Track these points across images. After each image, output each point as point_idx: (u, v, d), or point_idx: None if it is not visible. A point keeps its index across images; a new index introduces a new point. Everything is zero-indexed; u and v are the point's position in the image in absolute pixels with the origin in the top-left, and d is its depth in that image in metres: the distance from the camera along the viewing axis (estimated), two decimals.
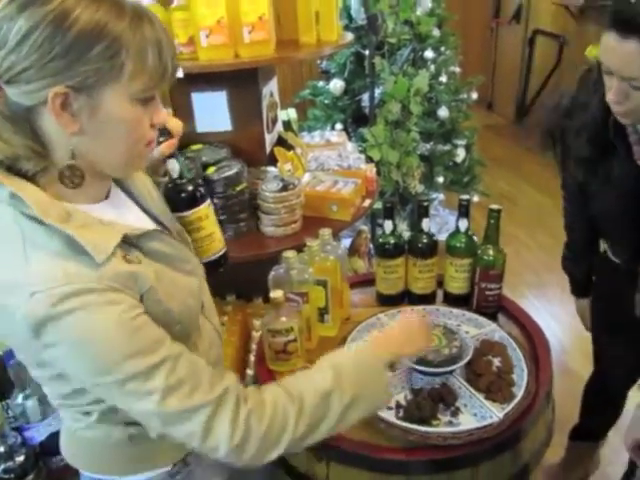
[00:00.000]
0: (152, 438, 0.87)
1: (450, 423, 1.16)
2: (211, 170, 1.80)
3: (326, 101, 3.22)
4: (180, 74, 1.47)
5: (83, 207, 0.80)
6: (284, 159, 1.98)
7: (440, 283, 1.59)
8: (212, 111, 1.94)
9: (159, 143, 1.07)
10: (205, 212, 1.16)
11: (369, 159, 2.65)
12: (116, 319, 0.73)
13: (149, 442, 0.90)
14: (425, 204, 1.51)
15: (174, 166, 1.11)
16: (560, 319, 2.94)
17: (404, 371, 1.28)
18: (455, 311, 1.48)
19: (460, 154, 3.26)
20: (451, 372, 1.24)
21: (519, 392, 1.20)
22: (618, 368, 1.67)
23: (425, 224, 1.49)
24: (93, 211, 0.81)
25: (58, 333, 0.71)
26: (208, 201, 1.18)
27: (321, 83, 3.31)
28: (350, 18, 2.99)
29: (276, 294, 1.28)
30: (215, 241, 1.21)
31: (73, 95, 0.70)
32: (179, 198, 1.10)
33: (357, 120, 3.17)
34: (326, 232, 1.46)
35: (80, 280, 0.72)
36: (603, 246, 1.56)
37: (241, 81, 1.89)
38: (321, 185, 2.03)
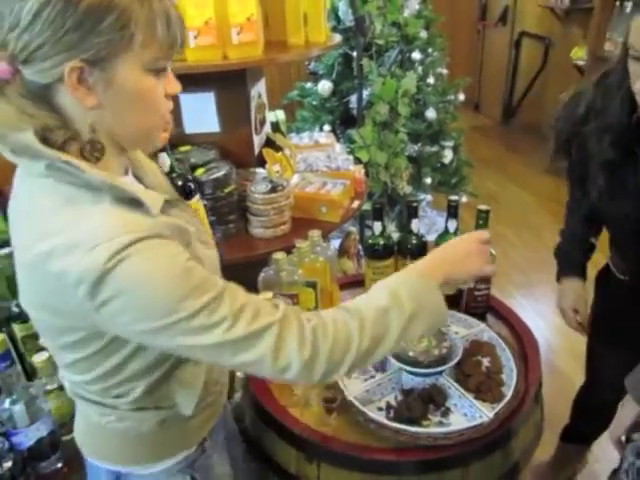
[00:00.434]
0: (181, 418, 0.94)
1: (440, 423, 1.16)
2: (199, 172, 1.79)
3: (314, 102, 3.22)
4: None
5: None
6: (273, 160, 1.98)
7: None
8: (200, 112, 1.93)
9: None
10: (195, 207, 1.16)
11: (357, 160, 2.66)
12: (174, 260, 0.76)
13: (177, 424, 0.96)
14: (414, 205, 1.51)
15: (164, 160, 1.10)
16: (547, 318, 2.97)
17: (394, 372, 1.28)
18: None
19: (448, 155, 3.28)
20: (441, 373, 1.25)
21: (509, 392, 1.21)
22: (612, 381, 1.67)
23: (414, 225, 1.50)
24: None
25: (119, 282, 0.71)
26: (198, 196, 1.18)
27: (309, 84, 3.31)
28: (338, 19, 3.00)
29: (265, 296, 1.27)
30: None
31: (88, 69, 0.72)
32: None
33: (345, 121, 3.17)
34: (315, 233, 1.45)
35: (138, 228, 0.73)
36: (607, 262, 1.55)
37: (229, 82, 1.88)
38: (310, 186, 2.02)
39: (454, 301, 1.54)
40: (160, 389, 0.92)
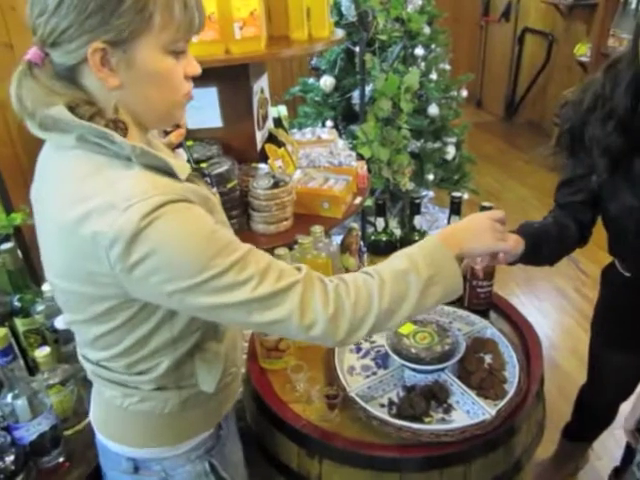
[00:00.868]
0: (201, 399, 0.98)
1: (443, 420, 1.16)
2: (202, 166, 1.79)
3: (316, 98, 3.20)
4: None
5: None
6: (275, 156, 1.98)
7: None
8: (203, 107, 1.92)
9: (167, 134, 1.10)
10: None
11: (360, 156, 2.65)
12: (203, 221, 0.80)
13: (198, 404, 1.00)
14: (417, 201, 1.51)
15: (182, 155, 1.12)
16: (548, 315, 2.97)
17: (396, 369, 1.28)
18: (447, 308, 1.48)
19: (450, 151, 3.26)
20: (443, 369, 1.25)
21: (511, 389, 1.21)
22: (615, 381, 1.66)
23: (417, 221, 1.50)
24: None
25: (152, 241, 0.74)
26: (214, 189, 1.20)
27: (311, 80, 3.30)
28: (341, 15, 2.98)
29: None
30: None
31: (110, 50, 0.76)
32: None
33: (347, 117, 3.16)
34: (318, 229, 1.45)
35: (169, 190, 0.77)
36: (613, 258, 1.51)
37: (232, 77, 1.87)
38: (312, 182, 2.02)
39: (457, 298, 1.53)
40: (184, 366, 0.95)
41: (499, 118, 6.25)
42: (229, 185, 1.80)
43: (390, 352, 1.25)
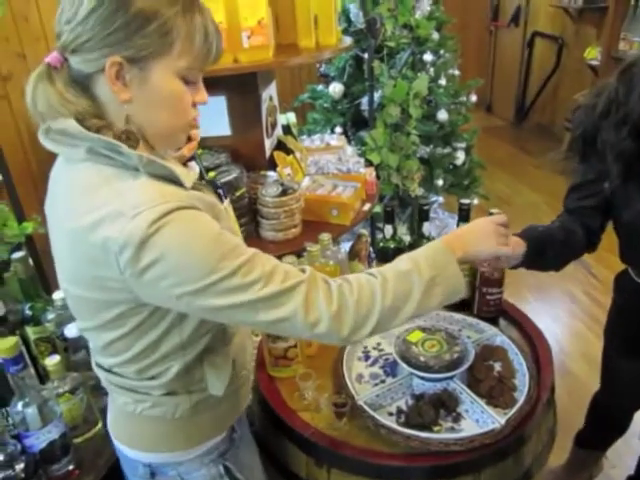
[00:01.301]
0: (212, 403, 1.00)
1: (452, 429, 1.15)
2: (211, 175, 1.80)
3: (325, 105, 3.21)
4: None
5: None
6: (283, 163, 1.98)
7: None
8: (211, 116, 1.93)
9: (179, 147, 1.11)
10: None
11: (368, 163, 2.65)
12: (209, 226, 0.82)
13: (209, 409, 1.01)
14: (425, 208, 1.50)
15: (195, 168, 1.14)
16: (562, 321, 2.94)
17: (405, 377, 1.28)
18: (456, 316, 1.48)
19: (460, 157, 3.25)
20: (452, 377, 1.24)
21: (521, 397, 1.20)
22: (629, 388, 1.64)
23: (426, 228, 1.49)
24: None
25: (161, 246, 0.76)
26: (227, 201, 1.22)
27: (320, 87, 3.31)
28: (349, 22, 2.99)
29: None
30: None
31: (127, 66, 0.79)
32: None
33: (356, 123, 3.17)
34: (326, 237, 1.45)
35: (176, 198, 0.79)
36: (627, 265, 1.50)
37: (240, 86, 1.89)
38: (321, 189, 2.02)
39: (466, 305, 1.53)
40: (194, 370, 0.97)
41: (509, 123, 6.23)
42: (237, 193, 1.81)
43: (398, 360, 1.25)
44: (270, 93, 2.11)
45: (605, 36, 4.35)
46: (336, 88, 3.09)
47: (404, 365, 1.24)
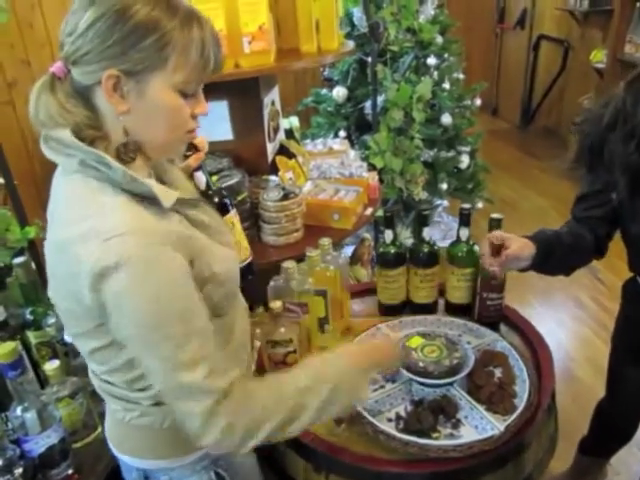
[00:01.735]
0: None
1: (451, 435, 1.15)
2: (212, 180, 1.80)
3: (329, 108, 3.21)
4: None
5: None
6: (285, 167, 1.98)
7: (442, 292, 1.58)
8: (213, 121, 1.93)
9: (186, 157, 1.13)
10: (231, 221, 1.20)
11: (372, 167, 2.65)
12: (175, 277, 0.82)
13: None
14: (425, 213, 1.50)
15: (201, 178, 1.16)
16: (567, 326, 2.92)
17: (404, 383, 1.27)
18: (456, 321, 1.47)
19: (464, 160, 3.24)
20: (452, 383, 1.23)
21: (521, 403, 1.19)
22: (634, 399, 1.62)
23: (426, 233, 1.49)
24: None
25: (121, 280, 0.77)
26: (234, 211, 1.23)
27: (324, 91, 3.31)
28: (352, 26, 2.99)
29: (275, 305, 1.27)
30: (242, 249, 1.24)
31: (124, 79, 0.80)
32: None
33: (360, 127, 3.16)
34: (326, 242, 1.45)
35: (150, 232, 0.80)
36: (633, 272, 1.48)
37: (242, 91, 1.89)
38: (323, 194, 2.02)
39: (466, 310, 1.52)
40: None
41: (515, 126, 6.21)
42: (239, 197, 1.81)
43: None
44: (272, 98, 2.11)
45: (611, 39, 4.33)
46: (340, 92, 3.09)
47: (403, 371, 1.23)
